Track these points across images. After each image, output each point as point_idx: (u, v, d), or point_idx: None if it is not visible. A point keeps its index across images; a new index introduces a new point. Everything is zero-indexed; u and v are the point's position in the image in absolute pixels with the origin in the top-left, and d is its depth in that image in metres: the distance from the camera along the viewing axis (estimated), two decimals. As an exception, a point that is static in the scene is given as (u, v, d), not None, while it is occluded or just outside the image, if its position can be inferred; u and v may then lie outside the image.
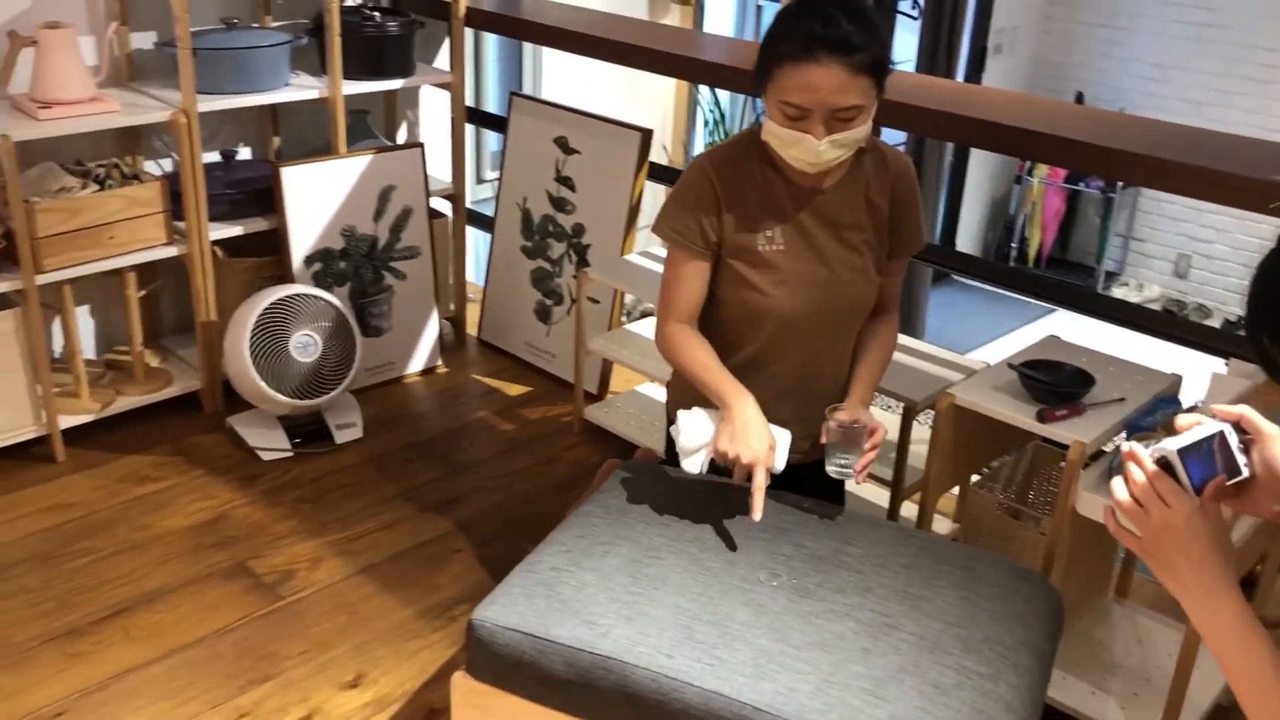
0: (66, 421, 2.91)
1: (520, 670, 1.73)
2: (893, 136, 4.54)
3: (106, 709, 2.14)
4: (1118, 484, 1.17)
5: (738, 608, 1.74)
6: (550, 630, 1.71)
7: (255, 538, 2.66)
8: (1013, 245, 7.00)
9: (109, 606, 2.41)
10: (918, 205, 2.02)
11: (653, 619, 1.71)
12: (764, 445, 1.86)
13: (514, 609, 1.75)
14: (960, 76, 6.34)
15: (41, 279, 2.73)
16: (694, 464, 1.93)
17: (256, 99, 3.00)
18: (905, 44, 5.70)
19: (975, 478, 2.43)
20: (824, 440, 1.90)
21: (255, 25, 3.18)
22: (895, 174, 1.99)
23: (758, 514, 1.85)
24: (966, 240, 7.08)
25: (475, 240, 3.96)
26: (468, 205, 3.69)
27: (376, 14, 3.26)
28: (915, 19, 5.43)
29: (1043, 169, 6.71)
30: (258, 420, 3.05)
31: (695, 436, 1.93)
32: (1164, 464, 1.14)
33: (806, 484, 2.09)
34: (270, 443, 2.99)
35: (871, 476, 2.66)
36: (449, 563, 2.61)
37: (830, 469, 1.91)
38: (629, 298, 3.85)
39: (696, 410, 1.96)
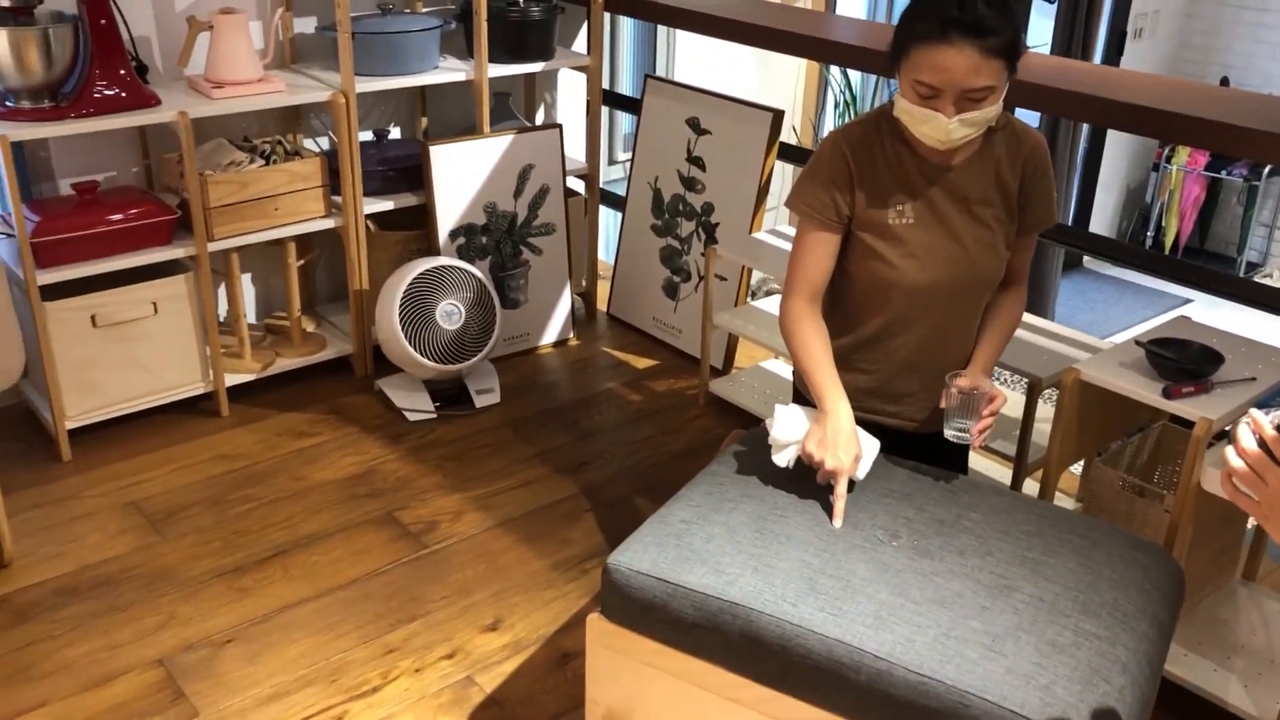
0: (231, 380, 3.14)
1: (651, 613, 1.84)
2: (1027, 118, 4.52)
3: (269, 639, 2.33)
4: (1230, 451, 1.22)
5: (859, 564, 1.83)
6: (681, 576, 1.82)
7: (402, 490, 2.84)
8: (1148, 234, 6.84)
9: (270, 548, 2.61)
10: (1050, 182, 2.06)
11: (778, 570, 1.81)
12: (850, 456, 1.92)
13: (646, 555, 1.87)
14: (1098, 61, 6.22)
15: (212, 246, 2.96)
16: (782, 458, 1.99)
17: (408, 80, 3.18)
18: (1041, 28, 5.63)
19: (1099, 456, 2.46)
20: (943, 405, 1.96)
21: (408, 10, 3.36)
22: (1027, 151, 2.03)
23: (838, 521, 1.92)
24: (1100, 227, 6.94)
25: (606, 219, 4.09)
26: (600, 185, 3.82)
27: (520, 0, 3.40)
28: (1052, 2, 5.36)
29: (1182, 155, 6.54)
30: (404, 384, 3.23)
31: (787, 432, 1.99)
32: None
33: (931, 454, 2.16)
34: (415, 404, 3.17)
35: (994, 452, 2.71)
36: (580, 520, 2.75)
37: (948, 433, 1.97)
38: (756, 275, 3.93)
39: (793, 406, 2.03)
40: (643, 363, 3.54)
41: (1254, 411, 1.22)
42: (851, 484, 1.98)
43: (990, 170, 2.01)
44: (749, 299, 3.42)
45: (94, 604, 2.41)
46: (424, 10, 3.41)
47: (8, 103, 2.70)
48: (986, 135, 2.00)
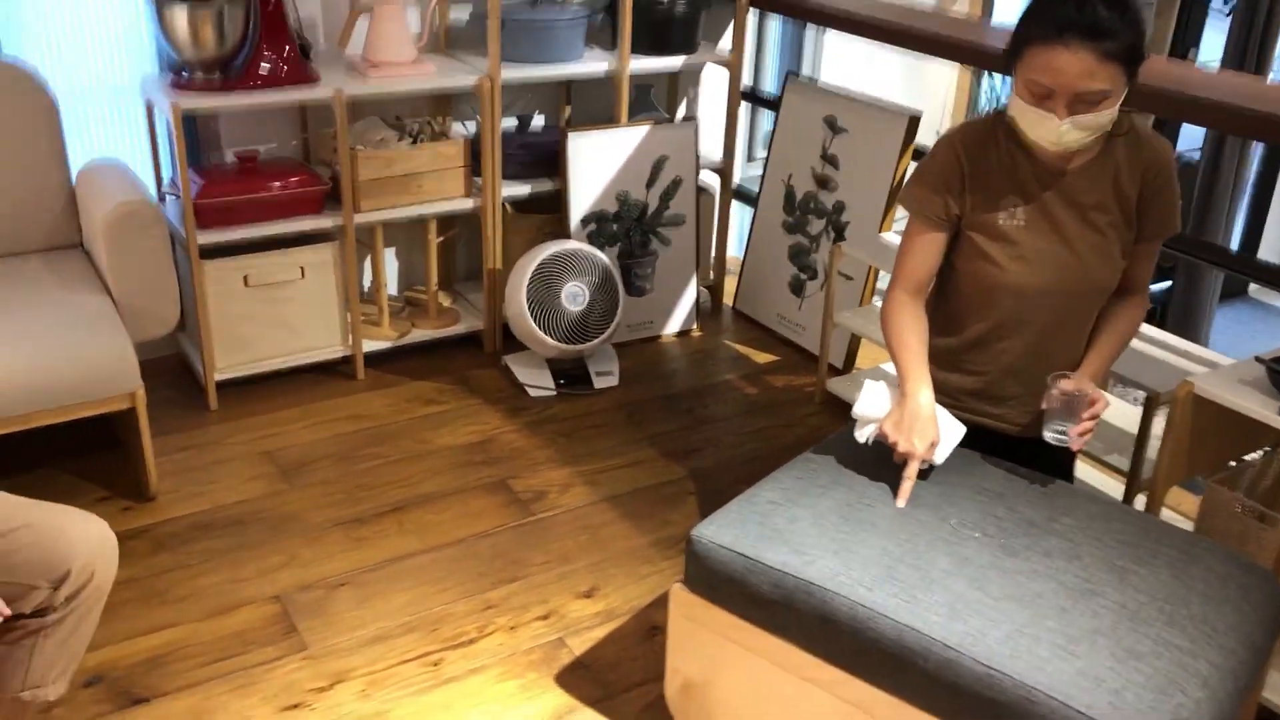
0: (368, 346, 3.32)
1: (730, 586, 1.89)
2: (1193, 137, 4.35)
3: (379, 585, 2.47)
4: None
5: (940, 556, 1.83)
6: (761, 553, 1.86)
7: (516, 460, 2.95)
8: None
9: (388, 503, 2.75)
10: (1173, 190, 2.01)
11: (857, 555, 1.83)
12: (925, 441, 1.93)
13: (729, 530, 1.92)
14: (1276, 78, 5.93)
15: (359, 218, 3.13)
16: (862, 434, 2.02)
17: (553, 70, 3.29)
18: (1213, 43, 5.41)
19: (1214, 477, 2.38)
20: (1044, 406, 1.95)
21: (557, 2, 3.48)
22: (1148, 158, 1.99)
23: (902, 501, 1.94)
24: (1271, 257, 6.60)
25: (738, 214, 4.13)
26: (736, 181, 3.87)
27: (667, -7, 3.49)
28: (1226, 15, 5.14)
29: (1365, 184, 6.16)
30: (528, 361, 3.35)
31: (870, 408, 2.01)
32: None
33: (1033, 460, 2.13)
34: (537, 381, 3.28)
35: (1106, 465, 2.65)
36: (683, 503, 2.81)
37: (1047, 435, 1.95)
38: (883, 277, 3.89)
39: (881, 384, 2.04)
40: (763, 357, 3.57)
41: None
42: (930, 469, 1.99)
43: (1108, 176, 1.98)
44: (875, 300, 3.41)
45: (225, 541, 2.60)
46: (574, 2, 3.52)
47: (182, 75, 2.92)
48: (1107, 141, 1.97)
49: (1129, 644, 1.67)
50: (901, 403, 1.98)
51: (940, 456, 1.97)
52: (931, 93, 4.37)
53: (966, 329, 2.10)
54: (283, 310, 3.14)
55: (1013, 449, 2.16)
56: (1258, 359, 2.13)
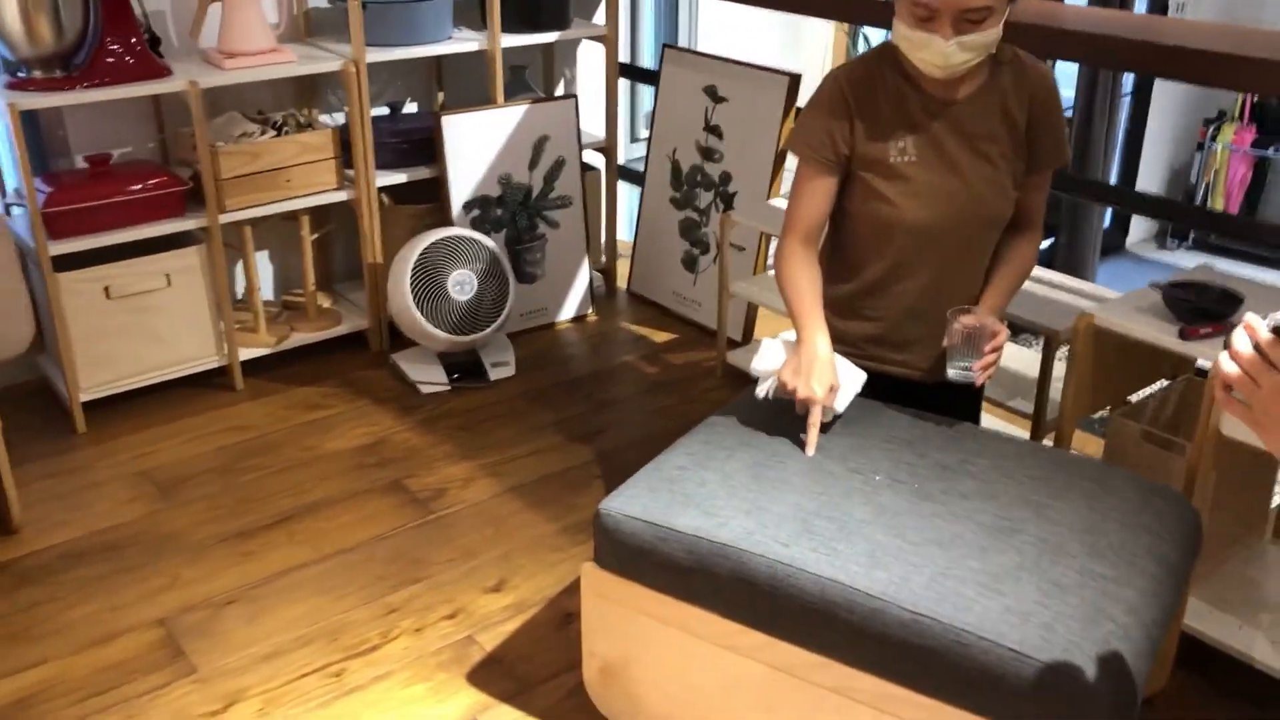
0: (245, 354, 3.14)
1: (642, 558, 1.79)
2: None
3: (270, 599, 2.31)
4: (1224, 356, 1.15)
5: (856, 506, 1.77)
6: (672, 519, 1.77)
7: (412, 459, 2.81)
8: None
9: (276, 514, 2.60)
10: (1060, 117, 1.99)
11: (771, 513, 1.76)
12: (824, 385, 1.89)
13: (638, 500, 1.82)
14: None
15: (224, 218, 2.96)
16: (762, 389, 1.98)
17: (421, 50, 3.16)
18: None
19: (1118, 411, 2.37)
20: (945, 343, 1.90)
21: (421, -16, 3.35)
22: (1033, 84, 1.96)
23: (810, 450, 1.89)
24: (1143, 211, 6.79)
25: (627, 196, 4.05)
26: (622, 163, 3.79)
27: (534, -31, 3.39)
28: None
29: (1227, 134, 6.37)
30: (418, 357, 3.22)
31: (768, 362, 1.97)
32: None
33: (940, 406, 2.09)
34: (429, 377, 3.15)
35: (1011, 410, 2.63)
36: (590, 487, 2.71)
37: (951, 373, 1.91)
38: (775, 244, 3.85)
39: (776, 340, 1.99)
40: (662, 336, 3.49)
41: (1250, 316, 1.15)
42: (835, 419, 1.94)
43: (996, 105, 1.95)
44: (768, 267, 3.36)
45: (98, 567, 2.41)
46: (438, -16, 3.40)
47: (19, 74, 2.72)
48: (992, 69, 1.94)
49: (1053, 577, 1.62)
50: (798, 350, 1.93)
51: (841, 403, 1.91)
52: (809, 54, 4.35)
53: (863, 272, 2.04)
54: (150, 321, 2.95)
55: (918, 396, 2.11)
56: (1152, 284, 2.12)
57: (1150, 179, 6.60)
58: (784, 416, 1.97)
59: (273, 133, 3.03)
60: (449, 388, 3.14)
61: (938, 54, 1.80)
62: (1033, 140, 1.98)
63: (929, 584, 1.61)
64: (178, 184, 2.90)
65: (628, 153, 4.11)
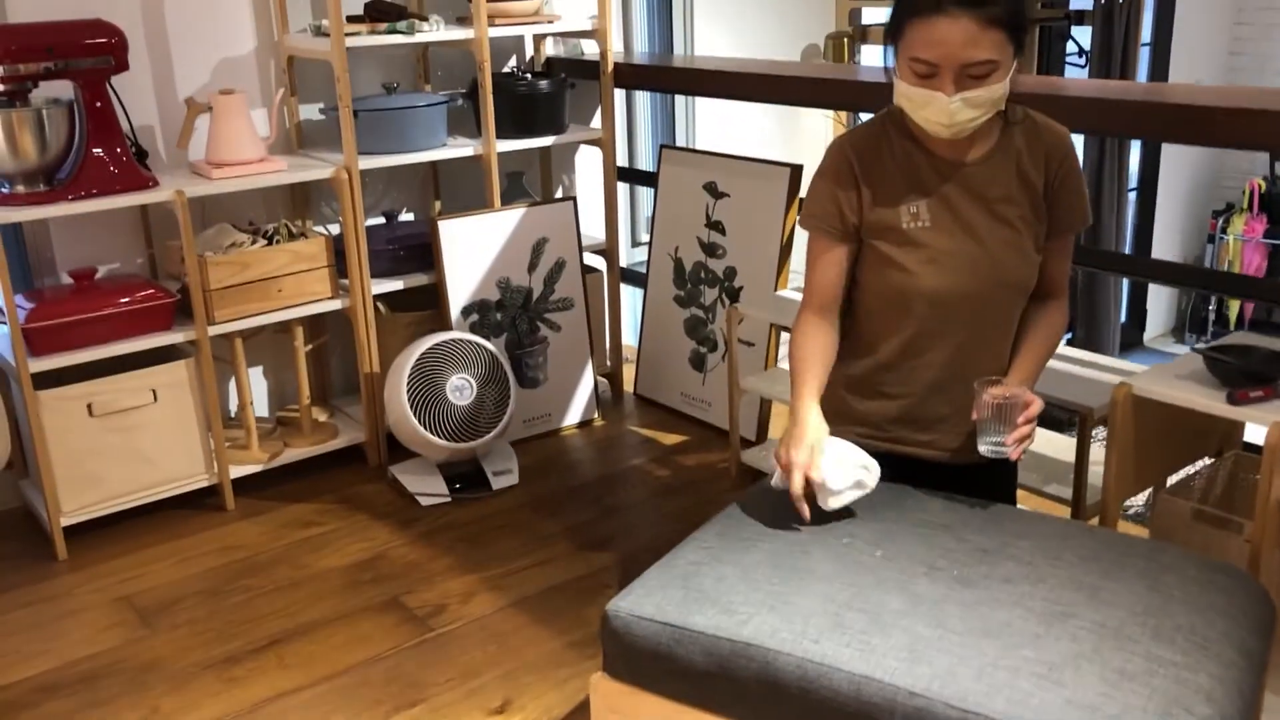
0: (237, 472, 3.00)
1: (657, 664, 1.62)
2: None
3: (257, 730, 2.13)
4: None
5: (891, 596, 1.60)
6: (688, 618, 1.60)
7: (410, 575, 2.65)
8: (1209, 309, 6.57)
9: (266, 637, 2.42)
10: (1079, 177, 1.89)
11: (797, 607, 1.59)
12: (803, 450, 1.74)
13: (650, 599, 1.66)
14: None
15: (214, 330, 2.86)
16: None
17: (414, 157, 3.11)
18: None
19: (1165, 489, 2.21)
20: (975, 416, 1.76)
21: (414, 92, 3.32)
22: (1049, 144, 1.87)
23: (805, 514, 1.75)
24: (1157, 306, 6.69)
25: (630, 301, 3.96)
26: (624, 266, 3.71)
27: (529, 75, 3.36)
28: (1081, 67, 5.26)
29: (1238, 225, 6.32)
30: (418, 468, 3.07)
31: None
32: None
33: (971, 489, 1.94)
34: (429, 489, 3.00)
35: (1048, 496, 2.46)
36: (600, 597, 2.53)
37: (982, 448, 1.76)
38: (785, 339, 3.72)
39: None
40: (671, 439, 3.35)
41: None
42: (844, 512, 1.78)
43: (1010, 165, 1.85)
44: (779, 363, 3.24)
45: (73, 700, 2.23)
46: (431, 90, 3.37)
47: (2, 188, 2.65)
48: (1004, 129, 1.85)
49: (1117, 665, 1.45)
50: (790, 420, 1.80)
51: (834, 479, 1.74)
52: (809, 145, 4.32)
53: (882, 347, 1.92)
54: (135, 439, 2.82)
55: (948, 479, 1.96)
56: (1194, 349, 1.99)
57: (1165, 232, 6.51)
58: (807, 502, 1.82)
59: (263, 242, 2.95)
60: (449, 499, 2.99)
61: (941, 112, 1.71)
62: (1052, 202, 1.88)
63: (978, 677, 1.43)
64: (165, 296, 2.81)
65: (629, 257, 4.04)
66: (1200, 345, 1.98)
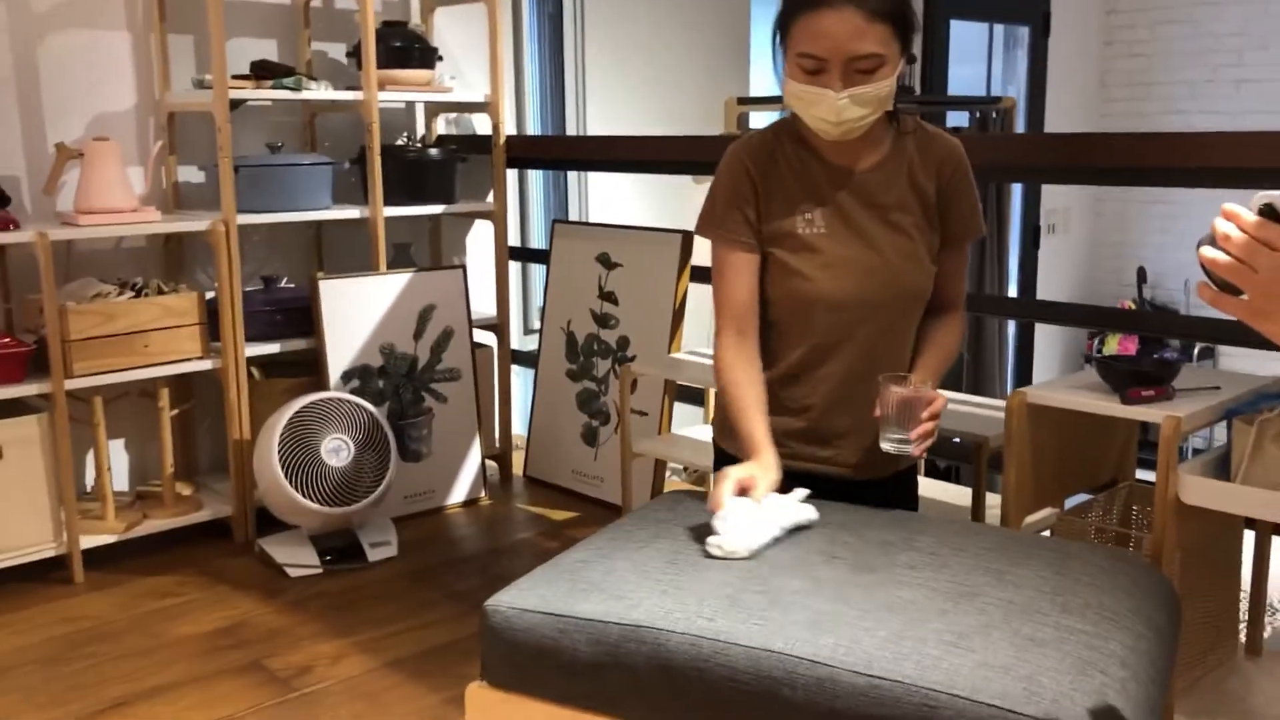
0: (88, 542, 2.77)
1: (540, 661, 1.48)
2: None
3: (87, 791, 1.89)
4: (1207, 249, 1.00)
5: (790, 580, 1.50)
6: (573, 606, 1.48)
7: (274, 640, 2.44)
8: (1093, 353, 6.69)
9: (107, 701, 2.18)
10: (970, 188, 1.90)
11: (691, 591, 1.48)
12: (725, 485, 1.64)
13: (533, 592, 1.53)
14: (1015, 254, 6.32)
15: (71, 384, 2.67)
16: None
17: (296, 216, 3.02)
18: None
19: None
20: (877, 413, 1.70)
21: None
22: (942, 154, 1.87)
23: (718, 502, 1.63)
24: (1044, 356, 6.79)
25: (520, 387, 3.87)
26: (515, 349, 3.63)
27: (419, 144, 3.33)
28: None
29: (1112, 345, 6.54)
30: (288, 540, 2.88)
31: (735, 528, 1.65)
32: (1268, 212, 0.98)
33: (876, 506, 1.87)
34: (299, 559, 2.81)
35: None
36: (482, 655, 2.35)
37: (885, 445, 1.70)
38: (679, 408, 3.63)
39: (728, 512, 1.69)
40: (562, 515, 3.22)
41: (1229, 205, 1.00)
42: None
43: (903, 174, 1.85)
44: (672, 430, 3.16)
45: (-128, 769, 1.96)
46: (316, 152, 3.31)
47: None
48: (897, 138, 1.86)
49: (1027, 633, 1.36)
50: (750, 461, 1.71)
51: (743, 534, 1.61)
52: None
53: (782, 359, 1.86)
54: (-25, 500, 2.59)
55: (848, 496, 1.89)
56: (1084, 357, 1.98)
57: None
58: (703, 513, 1.73)
59: (131, 294, 2.81)
60: (320, 570, 2.79)
61: (830, 109, 1.70)
62: (944, 210, 1.88)
63: (884, 645, 1.33)
64: (18, 345, 2.63)
65: (521, 344, 3.97)
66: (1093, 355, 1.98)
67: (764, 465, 1.70)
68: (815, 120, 1.74)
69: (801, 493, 1.69)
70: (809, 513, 1.68)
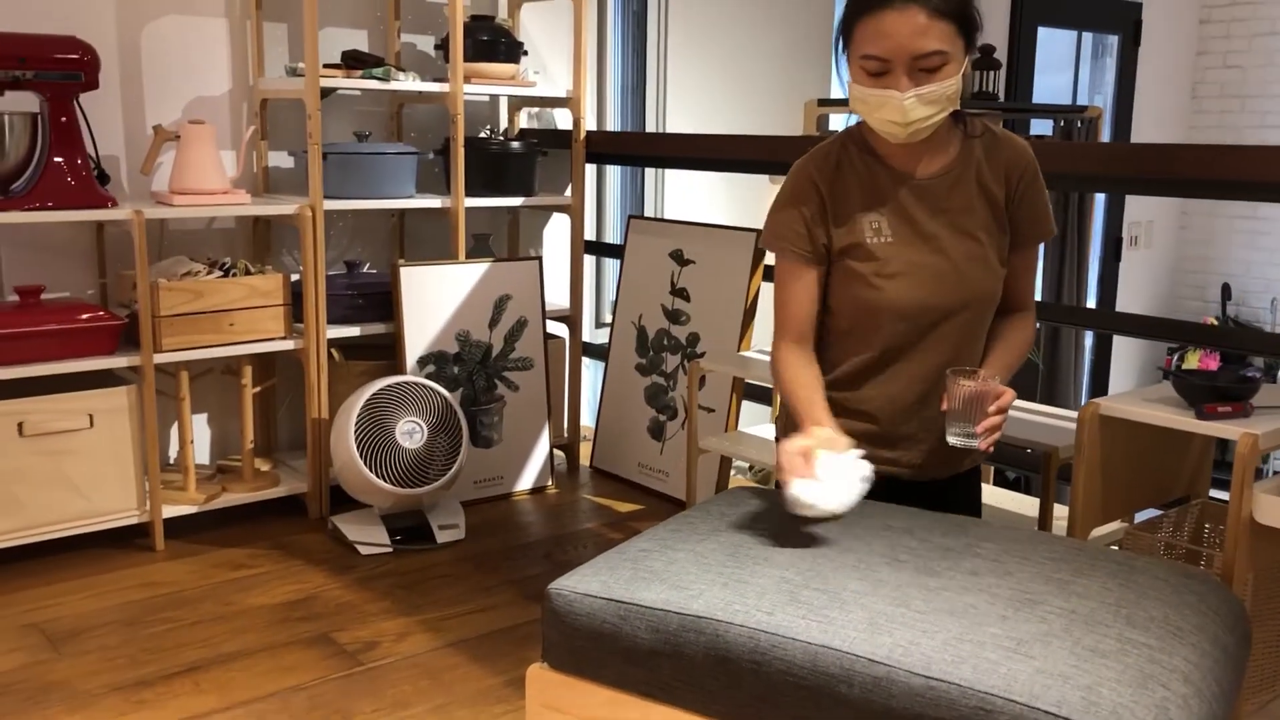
0: (169, 511, 2.87)
1: (601, 645, 1.51)
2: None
3: (162, 749, 1.96)
4: None
5: (851, 580, 1.51)
6: (636, 594, 1.50)
7: (343, 614, 2.50)
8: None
9: (182, 664, 2.26)
10: (1041, 189, 1.88)
11: (751, 585, 1.50)
12: (794, 451, 1.62)
13: (597, 578, 1.56)
14: (1096, 267, 6.22)
15: (159, 358, 2.77)
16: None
17: (380, 204, 3.09)
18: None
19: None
20: (944, 406, 1.70)
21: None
22: (1009, 157, 1.87)
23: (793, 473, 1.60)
24: (1120, 371, 6.68)
25: (590, 379, 3.91)
26: (586, 341, 3.67)
27: (501, 136, 3.39)
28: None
29: (1192, 361, 6.40)
30: (360, 519, 2.95)
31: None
32: None
33: (939, 507, 1.88)
34: (370, 538, 2.87)
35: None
36: (544, 640, 2.39)
37: (951, 438, 1.70)
38: (747, 406, 3.63)
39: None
40: (626, 507, 3.25)
41: None
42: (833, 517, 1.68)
43: (970, 178, 1.84)
44: (739, 430, 3.17)
45: (-37, 716, 2.06)
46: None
47: (-45, 194, 2.60)
48: (964, 142, 1.85)
49: (1089, 644, 1.36)
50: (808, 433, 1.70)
51: (830, 492, 1.62)
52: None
53: (849, 365, 1.87)
54: (66, 466, 2.69)
55: (911, 497, 1.90)
56: (1162, 371, 1.96)
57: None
58: (770, 511, 1.74)
59: (219, 273, 2.90)
60: (391, 549, 2.86)
61: (896, 110, 1.70)
62: (1014, 215, 1.87)
63: (943, 648, 1.34)
64: (111, 319, 2.73)
65: (592, 336, 4.01)
66: (1169, 368, 1.95)
67: (828, 434, 1.68)
68: (881, 123, 1.74)
69: (857, 452, 1.69)
70: (866, 469, 1.66)
